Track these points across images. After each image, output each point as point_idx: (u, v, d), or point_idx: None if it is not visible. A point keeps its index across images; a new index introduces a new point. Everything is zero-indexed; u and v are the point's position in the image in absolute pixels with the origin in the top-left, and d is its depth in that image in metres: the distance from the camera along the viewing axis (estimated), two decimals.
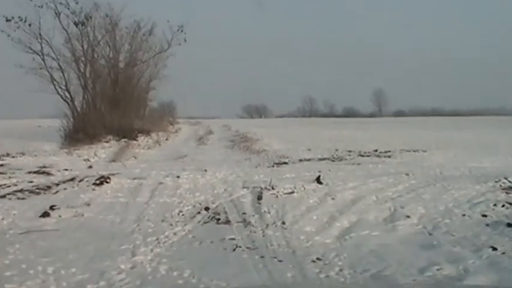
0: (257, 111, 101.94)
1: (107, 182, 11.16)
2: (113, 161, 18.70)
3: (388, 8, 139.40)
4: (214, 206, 8.93)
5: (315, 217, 8.06)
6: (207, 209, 8.68)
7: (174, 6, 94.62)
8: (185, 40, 33.09)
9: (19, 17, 26.63)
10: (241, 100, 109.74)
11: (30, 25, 27.03)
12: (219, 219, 8.04)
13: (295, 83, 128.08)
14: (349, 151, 19.42)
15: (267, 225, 7.56)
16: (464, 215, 8.12)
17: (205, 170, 12.97)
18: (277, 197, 9.59)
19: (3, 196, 9.81)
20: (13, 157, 17.69)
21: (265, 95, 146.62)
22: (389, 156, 17.70)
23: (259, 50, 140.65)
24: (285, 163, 15.87)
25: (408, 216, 8.00)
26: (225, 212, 8.45)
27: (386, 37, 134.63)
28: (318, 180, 11.09)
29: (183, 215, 8.33)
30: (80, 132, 25.31)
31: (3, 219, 8.03)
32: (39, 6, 26.94)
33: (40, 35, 27.44)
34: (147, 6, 78.65)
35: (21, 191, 10.34)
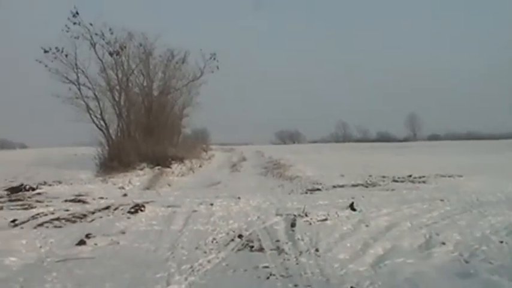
0: (290, 137, 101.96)
1: (141, 210, 11.27)
2: (147, 188, 18.89)
3: (423, 30, 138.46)
4: (247, 233, 8.94)
5: (348, 244, 8.00)
6: (240, 236, 8.69)
7: (206, 34, 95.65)
8: (217, 67, 33.60)
9: (56, 48, 27.42)
10: (274, 126, 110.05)
11: (66, 56, 27.79)
12: (252, 247, 8.03)
13: (328, 108, 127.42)
14: (383, 176, 19.28)
15: (301, 252, 7.52)
16: (501, 242, 7.96)
17: (239, 197, 13.01)
18: (310, 224, 9.56)
19: (41, 224, 9.97)
20: (50, 185, 18.01)
21: (298, 121, 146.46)
22: (424, 182, 17.52)
23: (291, 76, 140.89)
24: (318, 189, 15.84)
25: (444, 243, 7.89)
26: (259, 240, 8.44)
27: (420, 60, 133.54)
28: (352, 206, 11.04)
29: (216, 242, 8.35)
30: (114, 160, 25.65)
31: (41, 247, 8.16)
32: (75, 37, 27.73)
33: (76, 65, 28.18)
34: (181, 35, 79.75)
35: (58, 219, 10.51)
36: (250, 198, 12.91)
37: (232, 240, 8.47)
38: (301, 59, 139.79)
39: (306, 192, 15.25)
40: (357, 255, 7.40)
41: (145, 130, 30.57)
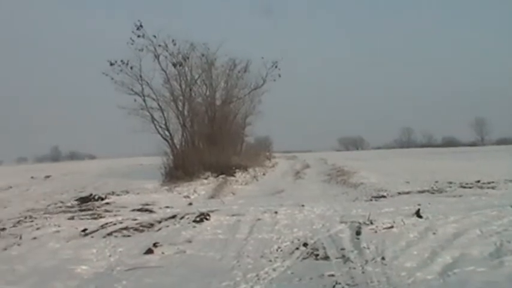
0: (353, 144, 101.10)
1: (206, 219, 11.38)
2: (212, 197, 19.09)
3: (487, 26, 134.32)
4: (312, 241, 8.89)
5: (415, 252, 7.84)
6: (305, 244, 8.66)
7: (268, 43, 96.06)
8: (279, 75, 33.69)
9: (121, 61, 28.12)
10: (336, 132, 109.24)
11: (131, 68, 28.47)
12: (317, 255, 7.98)
13: (392, 113, 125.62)
14: (450, 183, 18.80)
15: (367, 261, 7.42)
16: None
17: (303, 205, 12.96)
18: (376, 232, 9.42)
19: (110, 233, 10.24)
20: (118, 195, 18.46)
21: (361, 127, 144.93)
22: (492, 188, 16.97)
23: (353, 82, 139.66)
24: (383, 196, 15.62)
25: None
26: (324, 248, 8.39)
27: (485, 63, 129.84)
28: (418, 214, 10.81)
29: (281, 251, 8.35)
30: (179, 170, 26.05)
31: (110, 256, 8.38)
32: (139, 50, 28.37)
33: (141, 76, 28.84)
34: (242, 44, 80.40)
35: (126, 228, 10.76)
36: (315, 206, 12.84)
37: (297, 248, 8.45)
38: (364, 64, 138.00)
39: (371, 200, 15.06)
40: (424, 263, 7.24)
41: (208, 139, 30.91)
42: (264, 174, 31.27)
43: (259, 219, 11.20)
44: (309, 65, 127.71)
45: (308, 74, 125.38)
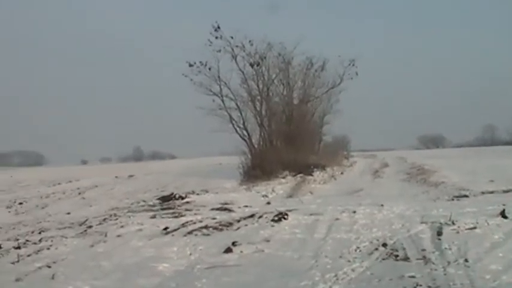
0: (433, 142, 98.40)
1: (284, 218, 11.41)
2: (290, 196, 19.11)
3: None
4: (392, 242, 8.74)
5: (501, 254, 7.55)
6: (384, 245, 8.53)
7: (344, 40, 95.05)
8: (357, 74, 33.42)
9: (200, 62, 28.68)
10: (416, 130, 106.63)
11: (210, 69, 28.99)
12: (397, 256, 7.84)
13: (473, 110, 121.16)
14: None
15: (449, 262, 7.22)
16: None
17: (382, 205, 12.76)
18: (458, 232, 9.14)
19: (190, 232, 10.44)
20: (198, 194, 18.79)
21: (441, 125, 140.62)
22: None
23: (433, 78, 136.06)
24: (466, 196, 15.16)
25: None
26: (404, 249, 8.23)
27: None
28: (503, 214, 10.40)
29: (360, 251, 8.26)
30: (257, 169, 26.23)
31: (190, 254, 8.57)
32: (217, 51, 28.81)
33: (219, 77, 29.33)
34: (319, 42, 79.98)
35: (206, 227, 10.93)
36: (394, 206, 12.61)
37: (376, 249, 8.33)
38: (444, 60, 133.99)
39: (452, 199, 14.65)
40: (510, 266, 6.96)
41: (286, 139, 30.96)
42: (342, 173, 31.02)
43: (337, 219, 11.12)
44: (386, 62, 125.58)
45: (386, 71, 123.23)
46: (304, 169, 27.82)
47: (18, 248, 9.25)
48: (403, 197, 15.55)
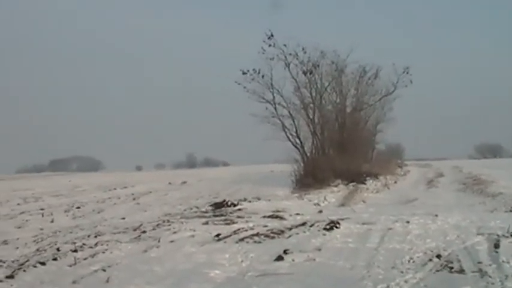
0: (491, 151, 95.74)
1: (336, 227, 11.34)
2: (342, 205, 18.98)
3: None
4: (446, 253, 8.56)
5: None
6: (438, 256, 8.36)
7: (398, 49, 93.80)
8: (411, 81, 32.93)
9: (253, 70, 28.82)
10: (472, 139, 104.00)
11: (263, 76, 29.12)
12: (452, 268, 7.66)
13: None
14: None
15: (506, 276, 7.00)
16: None
17: (436, 215, 12.53)
18: None
19: (242, 239, 10.49)
20: (249, 202, 18.84)
21: (499, 134, 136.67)
22: None
23: (492, 86, 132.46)
24: None
25: None
26: (459, 260, 8.04)
27: None
28: None
29: (413, 262, 8.11)
30: (309, 177, 26.14)
31: (242, 261, 8.60)
32: (270, 59, 28.90)
33: (272, 85, 29.41)
34: (372, 50, 79.25)
35: (257, 234, 10.96)
36: (449, 216, 12.36)
37: (430, 260, 8.17)
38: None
39: (511, 211, 14.24)
40: None
41: (339, 147, 30.78)
42: (395, 182, 30.57)
43: (390, 229, 10.98)
44: (443, 70, 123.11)
45: (443, 78, 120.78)
46: (356, 177, 27.58)
47: (75, 251, 9.49)
48: (459, 208, 15.20)
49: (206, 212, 16.25)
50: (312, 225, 11.81)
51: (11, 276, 7.70)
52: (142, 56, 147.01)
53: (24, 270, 8.03)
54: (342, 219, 12.34)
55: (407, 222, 11.70)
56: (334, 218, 12.57)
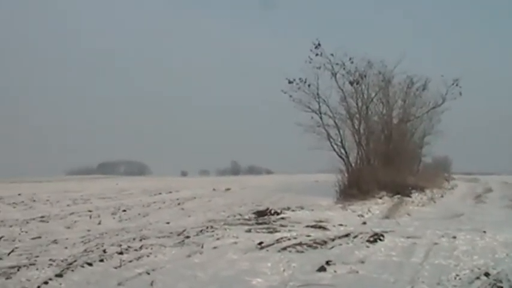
0: None
1: (380, 240, 11.24)
2: (386, 217, 18.75)
3: None
4: (495, 271, 8.37)
5: None
6: (487, 274, 8.17)
7: (448, 60, 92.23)
8: (460, 94, 32.27)
9: (300, 79, 28.76)
10: None
11: (309, 86, 29.00)
12: None
13: None
14: None
15: None
16: None
17: (484, 232, 12.28)
18: None
19: (285, 248, 10.50)
20: (293, 211, 18.81)
21: None
22: None
23: None
24: None
25: None
26: (508, 280, 7.85)
27: None
28: None
29: (460, 279, 7.97)
30: (353, 188, 25.91)
31: (284, 270, 8.60)
32: (317, 68, 28.81)
33: (318, 94, 29.26)
34: (421, 61, 78.12)
35: (300, 244, 10.95)
36: (497, 233, 12.09)
37: (478, 278, 8.00)
38: None
39: None
40: None
41: (384, 158, 30.44)
42: (441, 196, 30.01)
43: (436, 243, 10.82)
44: (495, 81, 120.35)
45: (494, 90, 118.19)
46: (401, 190, 27.20)
47: (121, 253, 9.68)
48: (508, 224, 14.82)
49: (249, 219, 16.32)
50: (355, 237, 11.74)
51: (60, 275, 7.93)
52: (193, 67, 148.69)
53: (72, 270, 8.25)
54: (386, 232, 12.22)
55: (454, 237, 11.51)
56: (378, 230, 12.47)
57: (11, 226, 14.92)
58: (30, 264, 8.73)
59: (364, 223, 15.39)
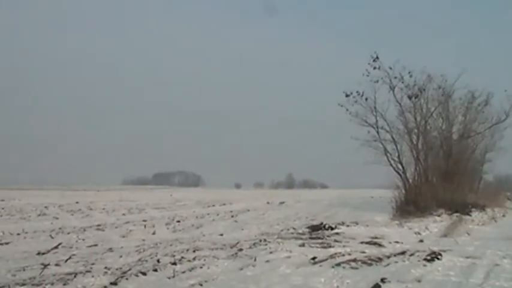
0: None
1: (438, 259, 10.91)
2: (444, 235, 18.21)
3: None
4: None
5: None
6: None
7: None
8: None
9: (357, 92, 28.38)
10: None
11: (366, 99, 28.57)
12: None
13: None
14: None
15: None
16: None
17: None
18: None
19: (339, 264, 10.30)
20: (347, 226, 18.55)
21: None
22: None
23: None
24: None
25: None
26: None
27: None
28: None
29: None
30: (410, 205, 25.37)
31: (337, 287, 8.42)
32: (375, 82, 28.39)
33: (375, 108, 28.79)
34: (483, 75, 76.31)
35: (354, 260, 10.73)
36: None
37: None
38: None
39: None
40: None
41: (443, 175, 29.72)
42: (503, 215, 29.03)
43: (497, 265, 10.40)
44: None
45: None
46: (461, 208, 26.43)
47: (175, 264, 9.71)
48: None
49: (303, 233, 16.17)
50: (411, 255, 11.44)
51: (114, 283, 8.01)
52: (252, 81, 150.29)
53: (126, 279, 8.31)
54: (444, 251, 11.86)
55: None
56: (435, 248, 12.13)
57: (68, 233, 15.29)
58: (87, 272, 8.87)
59: (421, 241, 15.00)
